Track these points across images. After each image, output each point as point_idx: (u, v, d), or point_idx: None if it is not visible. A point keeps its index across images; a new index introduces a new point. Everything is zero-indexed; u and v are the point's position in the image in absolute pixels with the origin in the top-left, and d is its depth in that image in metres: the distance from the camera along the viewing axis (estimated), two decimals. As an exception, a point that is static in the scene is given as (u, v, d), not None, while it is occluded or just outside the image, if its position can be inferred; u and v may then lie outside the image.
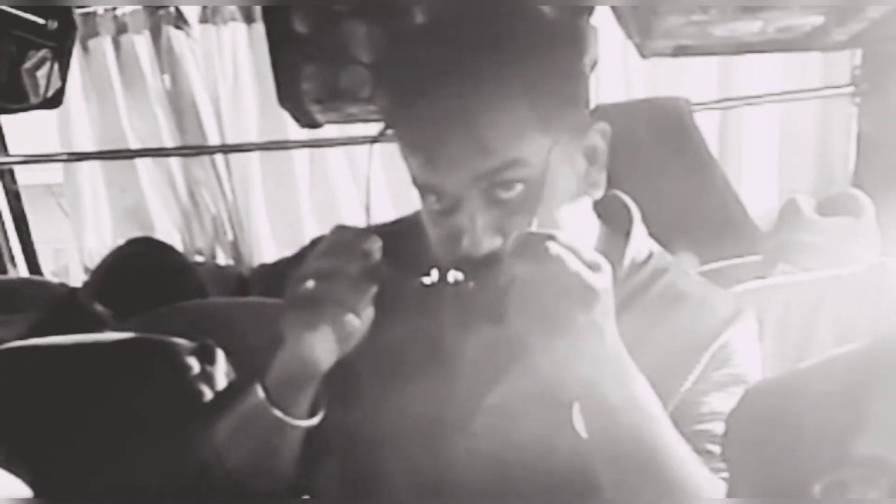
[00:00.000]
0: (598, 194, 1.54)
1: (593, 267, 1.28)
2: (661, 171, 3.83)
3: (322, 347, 1.43)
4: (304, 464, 1.57)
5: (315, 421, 1.52)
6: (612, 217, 1.65)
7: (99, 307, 3.01)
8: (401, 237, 1.52)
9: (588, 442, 1.42)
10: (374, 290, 1.41)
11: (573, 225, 1.47)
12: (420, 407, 1.54)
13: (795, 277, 2.24)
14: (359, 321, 1.41)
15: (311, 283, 1.38)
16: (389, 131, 1.47)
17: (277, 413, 1.47)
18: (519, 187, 1.39)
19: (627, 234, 1.63)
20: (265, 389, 1.48)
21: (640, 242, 1.64)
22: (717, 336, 1.54)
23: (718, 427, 1.47)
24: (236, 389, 1.57)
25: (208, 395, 2.16)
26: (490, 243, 1.38)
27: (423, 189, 1.45)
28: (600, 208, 1.63)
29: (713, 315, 1.56)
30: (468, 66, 1.38)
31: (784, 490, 1.05)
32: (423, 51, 1.44)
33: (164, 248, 3.60)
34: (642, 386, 1.37)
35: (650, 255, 1.64)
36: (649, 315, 1.53)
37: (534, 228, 1.34)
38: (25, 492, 1.86)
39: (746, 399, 1.15)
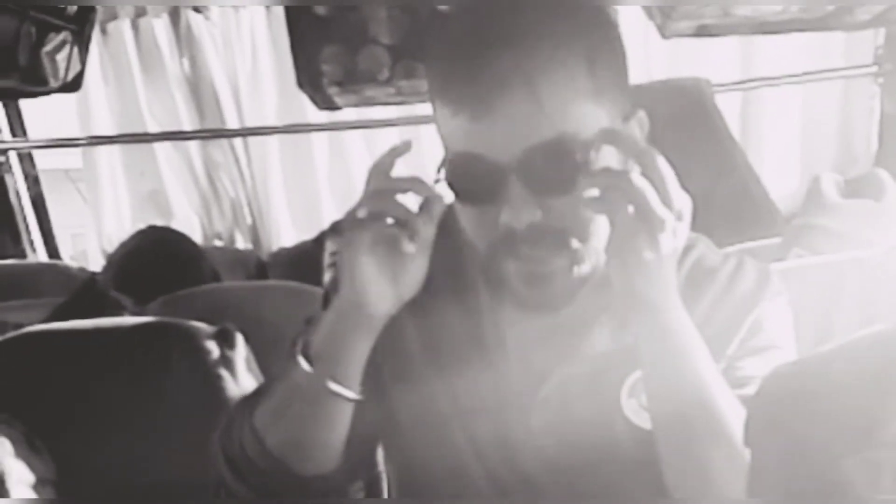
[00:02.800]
0: None
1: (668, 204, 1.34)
2: (681, 153, 3.79)
3: (377, 286, 1.41)
4: (352, 449, 1.56)
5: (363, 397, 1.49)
6: None
7: (115, 294, 3.02)
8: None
9: (650, 401, 1.45)
10: (431, 228, 1.39)
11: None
12: (472, 397, 1.54)
13: (815, 260, 2.22)
14: (414, 248, 1.38)
15: (369, 204, 1.38)
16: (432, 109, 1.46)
17: (332, 385, 1.45)
18: (563, 164, 1.35)
19: None
20: (309, 359, 1.46)
21: None
22: (750, 310, 1.55)
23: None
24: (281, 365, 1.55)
25: (228, 378, 2.16)
26: (531, 215, 1.35)
27: (461, 162, 1.39)
28: None
29: (743, 288, 1.57)
30: (531, 22, 1.36)
31: (807, 475, 1.04)
32: (486, 5, 1.43)
33: (175, 236, 3.62)
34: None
35: None
36: (683, 297, 1.47)
37: (572, 206, 1.36)
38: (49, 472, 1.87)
39: (767, 383, 1.14)
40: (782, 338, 1.59)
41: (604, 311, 1.51)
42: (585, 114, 1.37)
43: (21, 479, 1.88)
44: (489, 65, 1.33)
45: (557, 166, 1.35)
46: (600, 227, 1.41)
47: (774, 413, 1.07)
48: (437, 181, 1.42)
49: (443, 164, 1.42)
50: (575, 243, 1.40)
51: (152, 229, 3.74)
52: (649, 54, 4.62)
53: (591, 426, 1.50)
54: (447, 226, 1.46)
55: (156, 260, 3.33)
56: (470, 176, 1.39)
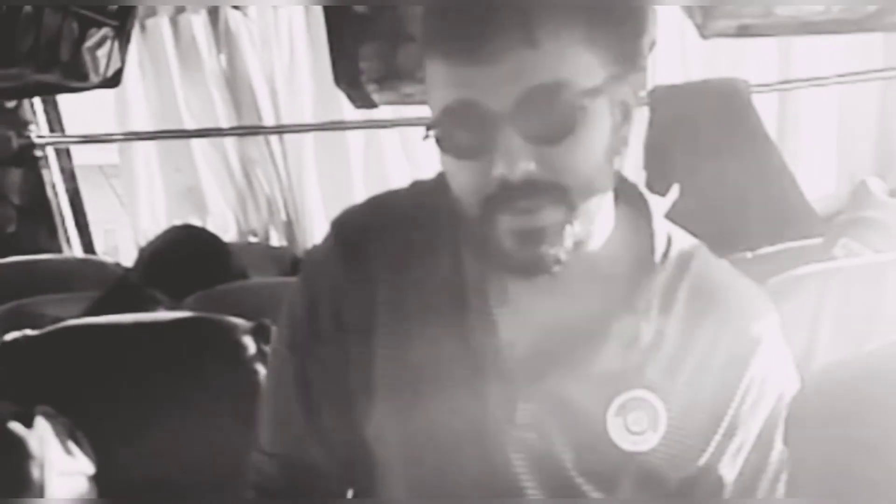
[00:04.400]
0: (625, 151, 1.45)
1: None
2: (718, 153, 3.82)
3: None
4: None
5: None
6: (631, 205, 1.61)
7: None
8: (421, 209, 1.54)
9: None
10: None
11: (600, 175, 1.41)
12: (459, 398, 1.50)
13: (857, 261, 2.21)
14: None
15: None
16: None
17: None
18: (557, 114, 1.32)
19: (648, 222, 1.55)
20: None
21: (661, 229, 1.56)
22: (749, 361, 1.49)
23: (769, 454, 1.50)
24: None
25: (263, 373, 2.17)
26: (526, 165, 1.31)
27: (454, 112, 1.35)
28: (620, 197, 1.59)
29: (747, 324, 1.51)
30: None
31: (850, 474, 1.03)
32: None
33: (201, 234, 3.64)
34: None
35: (670, 241, 1.54)
36: (687, 321, 1.49)
37: (568, 156, 1.33)
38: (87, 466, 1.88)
39: (813, 381, 1.13)
40: (786, 381, 1.54)
41: (615, 320, 1.46)
42: (582, 62, 1.33)
43: (62, 471, 1.89)
44: (486, 5, 1.30)
45: (553, 112, 1.32)
46: (597, 183, 1.39)
47: (820, 411, 1.07)
48: (425, 138, 1.40)
49: (433, 121, 1.38)
50: (570, 196, 1.35)
51: (178, 228, 3.76)
52: (686, 54, 4.61)
53: (575, 441, 1.47)
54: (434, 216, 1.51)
55: (181, 257, 3.34)
56: (463, 126, 1.35)
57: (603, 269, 1.48)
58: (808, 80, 4.49)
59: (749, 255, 2.96)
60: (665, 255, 1.51)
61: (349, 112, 4.36)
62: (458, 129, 1.36)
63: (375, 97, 3.21)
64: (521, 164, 1.31)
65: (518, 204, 1.34)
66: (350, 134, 4.92)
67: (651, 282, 1.47)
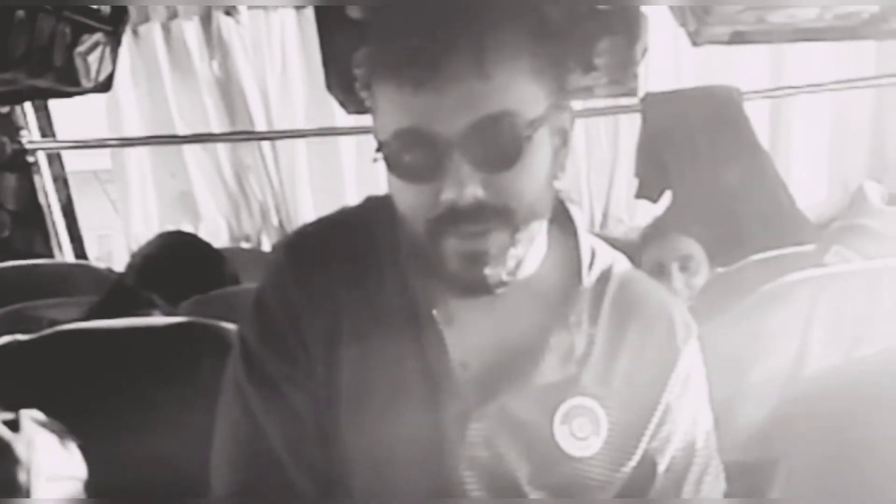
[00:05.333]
0: (562, 177, 1.52)
1: None
2: (710, 160, 3.83)
3: None
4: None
5: None
6: (559, 223, 1.63)
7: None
8: (365, 229, 1.57)
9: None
10: None
11: (543, 199, 1.47)
12: (409, 415, 1.52)
13: (850, 268, 2.22)
14: None
15: None
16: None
17: None
18: (505, 143, 1.36)
19: (575, 239, 1.61)
20: None
21: (586, 244, 1.62)
22: (676, 360, 1.58)
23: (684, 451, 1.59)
24: None
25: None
26: (474, 190, 1.35)
27: (403, 138, 1.37)
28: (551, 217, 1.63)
29: (670, 331, 1.59)
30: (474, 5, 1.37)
31: (844, 478, 1.04)
32: None
33: (192, 240, 3.63)
34: None
35: (594, 255, 1.62)
36: (613, 329, 1.56)
37: (514, 183, 1.38)
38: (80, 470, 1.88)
39: (807, 386, 1.14)
40: (703, 386, 1.63)
41: (551, 335, 1.52)
42: (529, 92, 1.38)
43: (50, 475, 1.88)
44: (436, 35, 1.33)
45: (501, 141, 1.36)
46: (540, 207, 1.45)
47: (812, 416, 1.07)
48: (374, 160, 1.42)
49: (381, 145, 1.41)
50: (515, 219, 1.40)
51: (168, 234, 3.76)
52: (679, 61, 4.62)
53: (527, 454, 1.52)
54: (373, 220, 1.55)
55: (172, 263, 3.34)
56: (412, 152, 1.38)
57: (538, 287, 1.54)
58: (800, 87, 4.50)
59: (721, 269, 2.97)
60: (590, 268, 1.58)
61: (341, 118, 4.37)
62: (407, 154, 1.39)
63: (368, 103, 3.21)
64: (470, 189, 1.35)
65: (464, 228, 1.38)
66: (342, 139, 4.93)
67: (580, 296, 1.54)
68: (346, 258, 1.55)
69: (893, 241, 2.29)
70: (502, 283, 1.43)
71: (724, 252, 3.30)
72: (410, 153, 1.38)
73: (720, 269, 3.06)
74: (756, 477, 1.70)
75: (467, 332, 1.52)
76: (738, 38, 2.55)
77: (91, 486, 1.98)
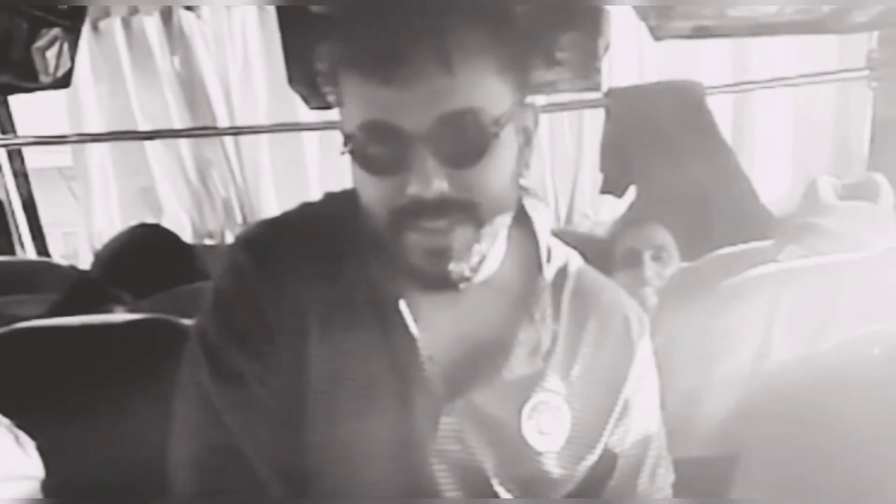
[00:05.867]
0: (527, 174, 1.56)
1: None
2: (672, 155, 3.83)
3: None
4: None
5: None
6: (518, 221, 1.64)
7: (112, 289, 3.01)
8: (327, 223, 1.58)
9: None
10: None
11: (508, 196, 1.50)
12: (380, 409, 1.53)
13: (811, 262, 2.22)
14: None
15: None
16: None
17: None
18: (471, 139, 1.39)
19: (534, 237, 1.65)
20: None
21: (544, 241, 1.66)
22: (633, 355, 1.64)
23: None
24: None
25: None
26: (440, 185, 1.37)
27: (370, 131, 1.40)
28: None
29: (625, 326, 1.65)
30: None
31: (798, 472, 1.03)
32: None
33: (166, 234, 3.61)
34: None
35: (550, 252, 1.65)
36: (572, 324, 1.61)
37: (480, 177, 1.41)
38: (37, 469, 1.86)
39: (762, 383, 1.14)
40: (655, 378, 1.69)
41: (518, 330, 1.55)
42: (493, 89, 1.40)
43: (6, 475, 1.86)
44: (402, 29, 1.35)
45: (467, 137, 1.38)
46: (505, 203, 1.48)
47: (766, 410, 1.07)
48: (342, 153, 1.44)
49: (347, 137, 1.42)
50: (480, 214, 1.42)
51: (143, 226, 3.73)
52: (642, 55, 4.63)
53: (495, 448, 1.54)
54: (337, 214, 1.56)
55: (147, 256, 3.32)
56: (378, 145, 1.40)
57: (500, 283, 1.58)
58: (763, 81, 4.51)
59: (684, 264, 2.98)
60: (548, 265, 1.62)
61: (304, 113, 4.35)
62: (372, 148, 1.41)
63: (330, 98, 3.19)
64: (435, 184, 1.37)
65: (428, 222, 1.40)
66: (305, 135, 4.92)
67: (542, 292, 1.58)
68: (308, 252, 1.56)
69: (845, 237, 2.30)
70: (465, 279, 1.46)
71: (688, 246, 3.31)
72: (376, 146, 1.40)
73: (684, 264, 3.06)
74: (717, 472, 1.70)
75: (431, 327, 1.53)
76: (699, 33, 2.55)
77: (50, 485, 1.96)
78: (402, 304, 1.51)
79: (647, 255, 3.25)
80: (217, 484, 1.54)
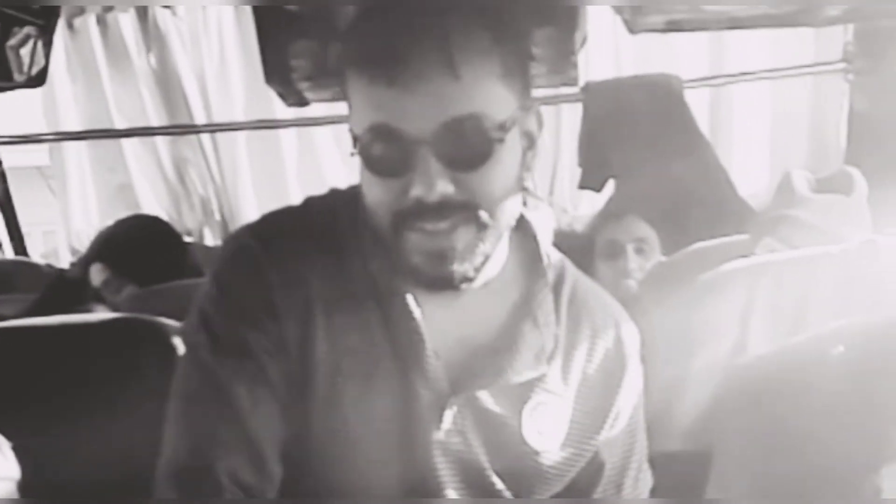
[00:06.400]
0: (530, 177, 1.57)
1: None
2: (650, 149, 3.84)
3: None
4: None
5: None
6: (518, 226, 1.64)
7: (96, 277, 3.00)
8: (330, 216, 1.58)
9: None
10: None
11: (510, 197, 1.49)
12: (381, 404, 1.53)
13: (787, 255, 2.23)
14: None
15: None
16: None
17: None
18: (475, 144, 1.40)
19: (534, 240, 1.66)
20: None
21: (544, 243, 1.67)
22: (626, 364, 1.65)
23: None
24: None
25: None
26: (443, 187, 1.38)
27: (376, 134, 1.41)
28: None
29: (618, 336, 1.66)
30: (444, 7, 1.41)
31: (773, 467, 1.03)
32: None
33: (166, 226, 3.62)
34: None
35: (548, 257, 1.67)
36: (569, 327, 1.62)
37: (484, 180, 1.41)
38: (13, 470, 1.85)
39: (735, 374, 1.14)
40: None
41: (525, 333, 1.56)
42: (497, 94, 1.41)
43: (-22, 477, 1.85)
44: (407, 32, 1.36)
45: (471, 143, 1.40)
46: (508, 205, 1.48)
47: (744, 402, 1.08)
48: (352, 154, 1.44)
49: (355, 138, 1.44)
50: (483, 216, 1.43)
51: (144, 216, 3.74)
52: (619, 50, 4.63)
53: (495, 445, 1.55)
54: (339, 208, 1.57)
55: (152, 244, 3.32)
56: (383, 148, 1.41)
57: (502, 285, 1.59)
58: (740, 75, 4.52)
59: (662, 258, 2.99)
60: (549, 267, 1.64)
61: (281, 110, 4.35)
62: (378, 150, 1.42)
63: (307, 95, 3.19)
64: (439, 186, 1.38)
65: (431, 224, 1.41)
66: (283, 132, 4.91)
67: (545, 296, 1.59)
68: (311, 245, 1.56)
69: (821, 230, 2.31)
70: (467, 279, 1.47)
71: (667, 240, 3.32)
72: (381, 148, 1.41)
73: (662, 258, 3.07)
74: (692, 466, 1.71)
75: (432, 326, 1.53)
76: (673, 27, 2.55)
77: (27, 486, 1.96)
78: (410, 298, 1.52)
79: (630, 248, 3.26)
80: (213, 461, 1.47)
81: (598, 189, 4.11)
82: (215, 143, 4.91)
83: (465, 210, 1.42)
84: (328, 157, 4.89)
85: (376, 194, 1.46)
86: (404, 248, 1.45)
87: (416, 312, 1.51)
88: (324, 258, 1.55)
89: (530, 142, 1.53)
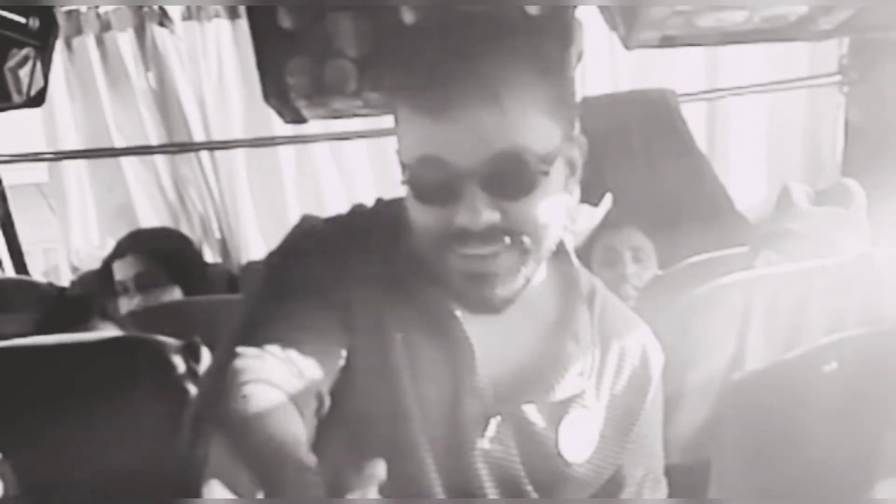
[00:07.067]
0: (573, 202, 1.62)
1: None
2: (647, 163, 3.85)
3: None
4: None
5: None
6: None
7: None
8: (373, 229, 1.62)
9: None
10: None
11: (553, 222, 1.53)
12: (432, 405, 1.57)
13: (783, 268, 2.24)
14: None
15: None
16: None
17: None
18: (521, 176, 1.44)
19: (569, 260, 1.72)
20: None
21: (577, 264, 1.74)
22: (649, 384, 1.71)
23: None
24: None
25: (193, 392, 2.16)
26: (489, 216, 1.43)
27: (424, 165, 1.45)
28: None
29: (644, 356, 1.71)
30: (489, 35, 1.45)
31: (771, 477, 1.04)
32: (444, 19, 1.58)
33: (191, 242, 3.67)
34: None
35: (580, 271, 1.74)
36: (602, 345, 1.67)
37: (528, 209, 1.45)
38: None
39: (733, 388, 1.15)
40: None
41: (568, 352, 1.61)
42: (541, 127, 1.45)
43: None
44: (452, 67, 1.40)
45: (516, 175, 1.43)
46: (552, 229, 1.53)
47: (740, 417, 1.08)
48: (403, 183, 1.49)
49: (404, 167, 1.48)
50: (527, 242, 1.48)
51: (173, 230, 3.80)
52: (615, 65, 4.64)
53: (531, 455, 1.60)
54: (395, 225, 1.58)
55: (198, 256, 3.37)
56: (431, 179, 1.45)
57: (540, 304, 1.64)
58: (735, 88, 4.53)
59: (659, 272, 3.00)
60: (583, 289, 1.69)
61: (279, 127, 4.36)
62: (425, 179, 1.47)
63: (306, 112, 3.20)
64: (485, 216, 1.43)
65: (473, 250, 1.46)
66: (281, 149, 4.91)
67: (583, 315, 1.65)
68: (360, 250, 1.60)
69: (819, 242, 2.31)
70: (509, 302, 1.54)
71: (664, 254, 3.33)
72: (429, 178, 1.46)
73: (659, 272, 3.08)
74: (690, 479, 1.72)
75: (473, 340, 1.57)
76: (667, 42, 2.56)
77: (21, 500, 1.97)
78: (458, 312, 1.56)
79: (627, 255, 3.30)
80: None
81: (596, 203, 4.12)
82: (214, 161, 4.91)
83: (510, 236, 1.47)
84: (326, 174, 4.89)
85: (422, 220, 1.50)
86: (446, 271, 1.50)
87: (464, 326, 1.56)
88: (370, 265, 1.58)
89: (572, 168, 1.57)
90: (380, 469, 1.19)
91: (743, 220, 3.91)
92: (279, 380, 1.41)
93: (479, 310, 1.55)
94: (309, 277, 1.56)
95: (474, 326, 1.57)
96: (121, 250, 3.33)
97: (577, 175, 1.58)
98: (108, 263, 3.34)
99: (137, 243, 3.37)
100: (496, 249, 1.46)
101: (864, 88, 3.76)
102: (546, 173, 1.45)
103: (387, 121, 4.21)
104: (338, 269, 1.56)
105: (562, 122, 1.49)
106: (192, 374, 2.19)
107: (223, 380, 1.44)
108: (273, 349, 1.44)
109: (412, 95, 1.45)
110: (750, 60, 4.45)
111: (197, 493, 1.56)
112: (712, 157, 4.31)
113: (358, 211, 1.71)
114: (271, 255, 1.65)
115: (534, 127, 1.44)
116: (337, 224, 1.65)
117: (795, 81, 4.38)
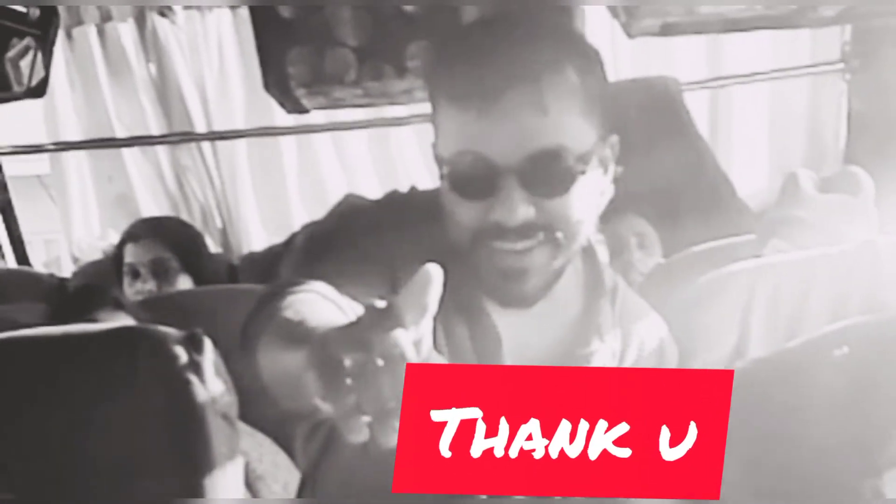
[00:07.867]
0: (605, 200, 1.64)
1: None
2: (649, 152, 3.83)
3: None
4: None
5: None
6: None
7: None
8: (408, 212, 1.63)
9: None
10: None
11: (585, 219, 1.55)
12: None
13: (786, 256, 2.23)
14: None
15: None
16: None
17: None
18: (558, 174, 1.46)
19: (594, 253, 1.75)
20: None
21: (603, 257, 1.77)
22: (668, 361, 1.75)
23: None
24: None
25: (196, 383, 2.15)
26: (525, 212, 1.45)
27: (464, 160, 1.47)
28: None
29: (661, 352, 1.75)
30: (528, 40, 1.47)
31: (773, 470, 1.04)
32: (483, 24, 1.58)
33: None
34: None
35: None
36: (622, 338, 1.70)
37: (564, 206, 1.48)
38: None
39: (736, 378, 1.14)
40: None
41: (594, 346, 1.64)
42: (579, 128, 1.47)
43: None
44: (497, 65, 1.42)
45: (555, 174, 1.45)
46: (585, 226, 1.55)
47: (742, 405, 1.07)
48: (441, 177, 1.51)
49: (442, 161, 1.51)
50: (560, 237, 1.50)
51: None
52: (617, 53, 4.63)
53: None
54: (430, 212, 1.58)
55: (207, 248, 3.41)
56: (470, 172, 1.47)
57: (565, 298, 1.66)
58: (737, 76, 4.52)
59: (662, 260, 3.00)
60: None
61: (280, 117, 4.35)
62: (464, 173, 1.49)
63: (305, 102, 3.20)
64: (521, 211, 1.45)
65: (507, 244, 1.48)
66: (282, 139, 4.91)
67: (607, 310, 1.67)
68: (397, 231, 1.60)
69: (827, 230, 2.31)
70: (540, 297, 1.58)
71: (666, 241, 3.33)
72: (468, 172, 1.48)
73: (661, 260, 3.07)
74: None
75: (503, 331, 1.60)
76: (668, 30, 2.56)
77: (24, 499, 1.96)
78: (487, 302, 1.59)
79: (633, 241, 3.29)
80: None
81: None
82: (215, 151, 4.91)
83: (544, 232, 1.49)
84: (328, 164, 4.89)
85: (459, 213, 1.52)
86: (480, 265, 1.52)
87: (494, 319, 1.59)
88: (404, 247, 1.56)
89: (605, 168, 1.58)
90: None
91: (745, 208, 3.91)
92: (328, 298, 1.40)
93: (510, 303, 1.58)
94: (354, 244, 1.58)
95: (502, 318, 1.60)
96: (135, 234, 3.33)
97: (609, 175, 1.60)
98: (119, 248, 3.33)
99: (153, 228, 3.37)
100: (530, 245, 1.49)
101: (867, 76, 3.76)
102: (583, 172, 1.47)
103: (387, 111, 4.21)
104: (382, 243, 1.57)
105: (597, 124, 1.51)
106: (194, 365, 2.18)
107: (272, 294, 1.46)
108: (322, 288, 1.43)
109: (457, 94, 1.47)
110: (752, 49, 4.45)
111: (198, 494, 1.57)
112: (714, 145, 4.30)
113: (396, 196, 1.72)
114: (315, 225, 1.67)
115: (573, 127, 1.46)
116: (379, 204, 1.68)
117: (798, 69, 4.37)
